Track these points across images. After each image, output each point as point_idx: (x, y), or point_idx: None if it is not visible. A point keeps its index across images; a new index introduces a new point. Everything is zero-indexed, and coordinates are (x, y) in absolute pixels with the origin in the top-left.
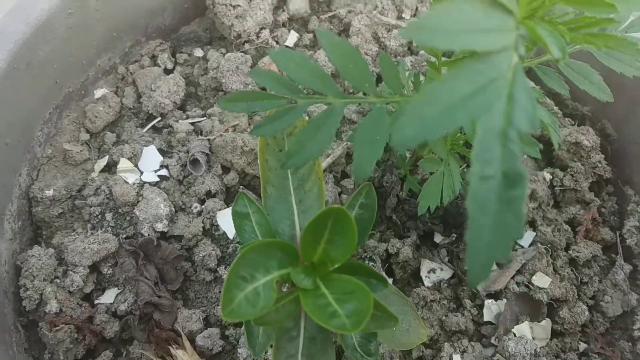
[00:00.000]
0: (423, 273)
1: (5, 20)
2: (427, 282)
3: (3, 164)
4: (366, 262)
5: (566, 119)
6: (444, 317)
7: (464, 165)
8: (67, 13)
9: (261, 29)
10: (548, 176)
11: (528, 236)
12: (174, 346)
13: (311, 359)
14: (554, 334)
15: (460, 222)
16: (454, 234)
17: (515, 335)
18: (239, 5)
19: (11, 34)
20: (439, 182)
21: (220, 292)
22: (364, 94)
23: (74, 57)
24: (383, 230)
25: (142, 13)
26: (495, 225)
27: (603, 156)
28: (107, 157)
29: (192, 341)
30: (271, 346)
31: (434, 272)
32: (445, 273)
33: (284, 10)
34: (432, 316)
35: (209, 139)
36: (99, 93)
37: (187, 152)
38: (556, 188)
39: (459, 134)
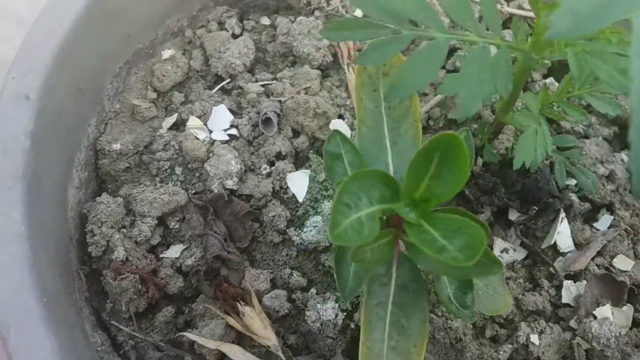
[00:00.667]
0: (496, 252)
1: None
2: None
3: (74, 111)
4: None
5: None
6: (520, 296)
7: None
8: None
9: None
10: (626, 158)
11: (605, 220)
12: (241, 303)
13: (401, 308)
14: (635, 323)
15: (539, 197)
16: (534, 209)
17: (596, 318)
18: None
19: None
20: (533, 138)
21: (287, 255)
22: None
23: (146, 13)
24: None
25: None
26: None
27: None
28: (175, 115)
29: (259, 302)
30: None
31: (507, 252)
32: (519, 254)
33: None
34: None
35: (280, 101)
36: (166, 54)
37: (258, 113)
38: None
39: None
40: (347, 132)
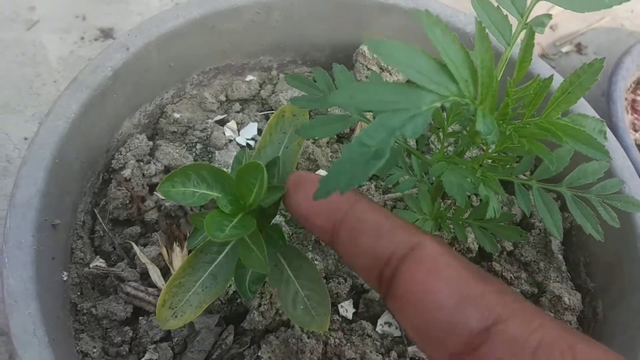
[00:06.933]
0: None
1: None
2: (378, 329)
3: (158, 81)
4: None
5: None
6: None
7: None
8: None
9: None
10: None
11: None
12: (177, 243)
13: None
14: None
15: None
16: None
17: None
18: None
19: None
20: None
21: None
22: None
23: (250, 44)
24: None
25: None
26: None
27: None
28: (225, 115)
29: (189, 251)
30: None
31: (389, 325)
32: (397, 331)
33: None
34: None
35: None
36: (249, 77)
37: None
38: None
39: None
40: None
